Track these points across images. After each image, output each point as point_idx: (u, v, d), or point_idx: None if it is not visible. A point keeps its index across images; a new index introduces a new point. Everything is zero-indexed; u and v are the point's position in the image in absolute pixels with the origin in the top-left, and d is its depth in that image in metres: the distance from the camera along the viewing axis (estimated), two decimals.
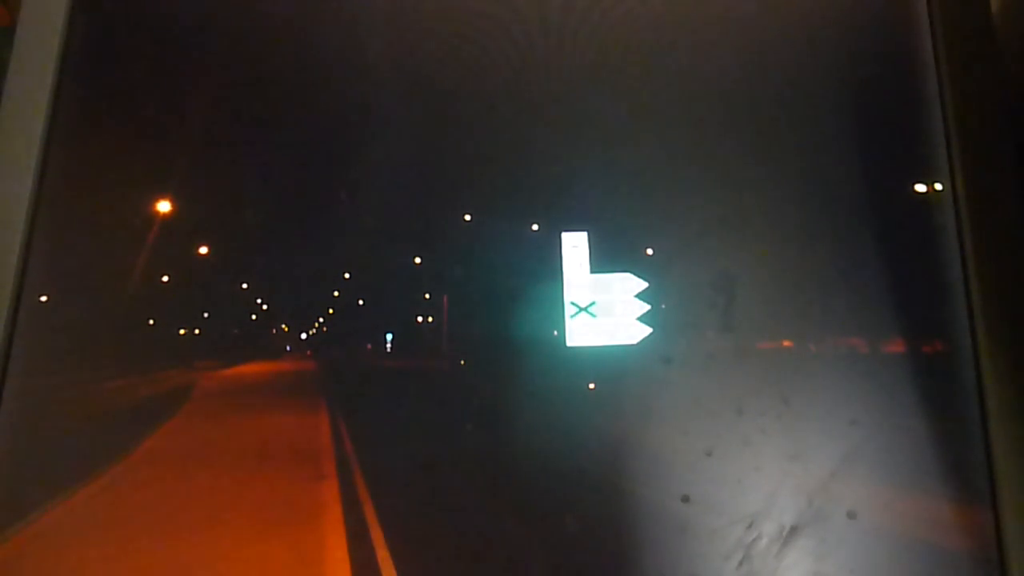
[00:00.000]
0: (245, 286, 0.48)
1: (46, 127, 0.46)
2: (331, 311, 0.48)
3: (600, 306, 0.46)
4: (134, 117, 0.49)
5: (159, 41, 0.50)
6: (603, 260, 0.47)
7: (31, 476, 0.42)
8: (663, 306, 0.47)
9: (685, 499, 0.43)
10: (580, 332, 0.46)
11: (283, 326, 0.48)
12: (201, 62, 0.50)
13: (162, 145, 0.49)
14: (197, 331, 0.47)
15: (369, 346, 0.47)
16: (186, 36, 0.51)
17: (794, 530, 0.42)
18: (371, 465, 0.45)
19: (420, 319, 0.48)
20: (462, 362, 0.48)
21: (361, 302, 0.48)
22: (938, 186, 0.47)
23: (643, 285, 0.47)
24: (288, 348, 0.47)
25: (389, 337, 0.48)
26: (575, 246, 0.47)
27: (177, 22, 0.51)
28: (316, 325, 0.48)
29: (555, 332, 0.46)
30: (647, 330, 0.46)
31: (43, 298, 0.44)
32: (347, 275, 0.48)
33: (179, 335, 0.47)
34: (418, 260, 0.48)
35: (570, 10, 0.51)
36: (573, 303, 0.46)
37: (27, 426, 0.43)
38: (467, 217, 0.49)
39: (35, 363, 0.44)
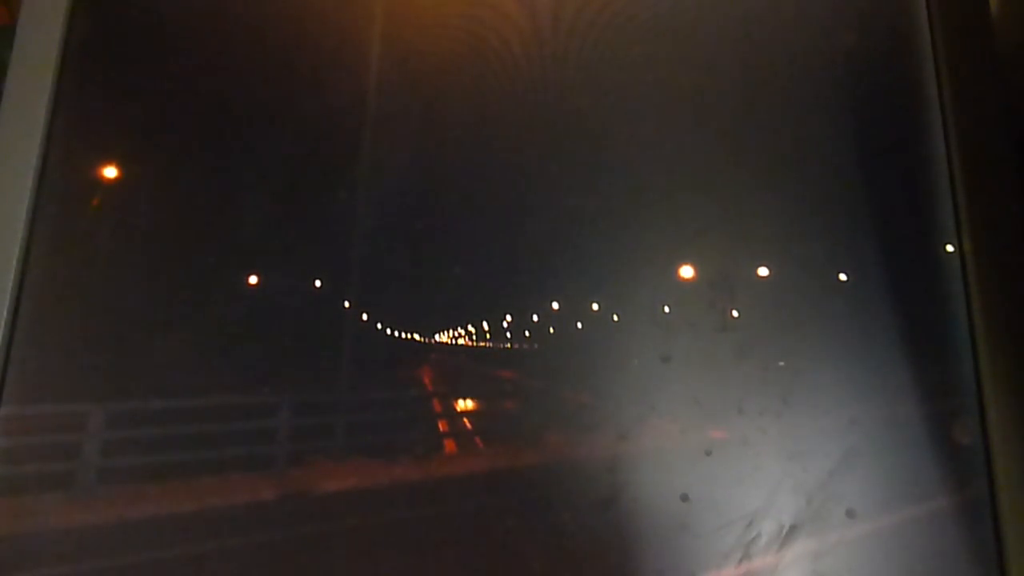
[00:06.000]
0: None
1: (46, 125, 0.46)
2: None
3: None
4: (134, 115, 0.50)
5: (159, 40, 0.50)
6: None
7: None
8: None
9: (684, 498, 0.43)
10: None
11: None
12: (201, 60, 0.50)
13: (163, 144, 0.49)
14: None
15: None
16: (186, 35, 0.51)
17: (793, 529, 0.43)
18: None
19: None
20: None
21: None
22: (937, 186, 0.47)
23: None
24: None
25: None
26: None
27: (176, 21, 0.51)
28: None
29: None
30: None
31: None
32: None
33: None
34: None
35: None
36: None
37: None
38: None
39: (35, 363, 0.44)
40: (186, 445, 0.45)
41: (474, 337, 0.50)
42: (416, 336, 0.48)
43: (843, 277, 0.48)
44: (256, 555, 0.43)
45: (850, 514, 0.43)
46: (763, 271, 0.48)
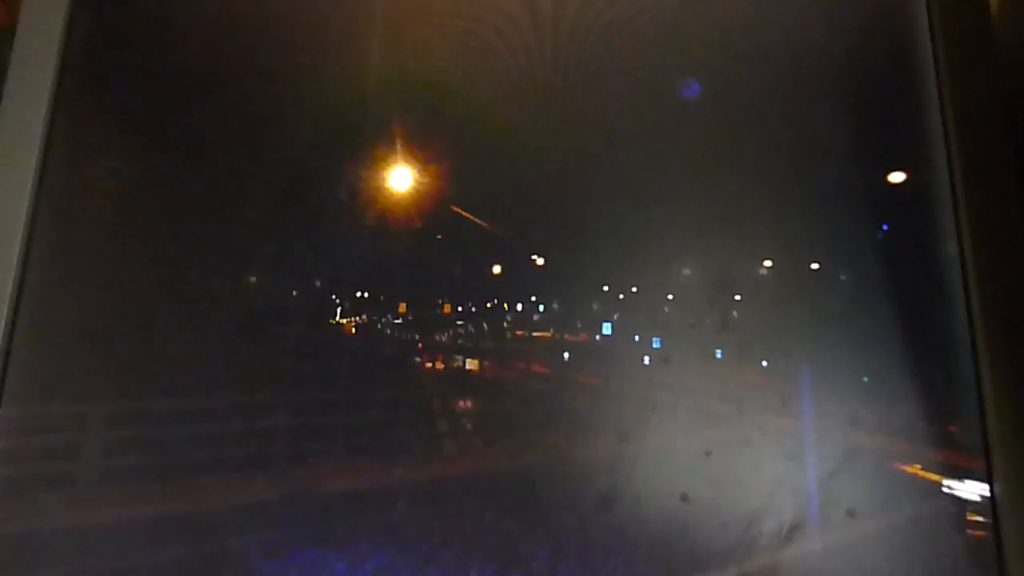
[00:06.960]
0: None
1: (46, 126, 0.46)
2: None
3: None
4: (134, 115, 0.49)
5: (158, 40, 0.50)
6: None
7: None
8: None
9: (684, 498, 0.43)
10: None
11: None
12: (200, 61, 0.50)
13: (162, 144, 0.49)
14: None
15: None
16: (185, 35, 0.51)
17: (793, 529, 0.43)
18: None
19: None
20: None
21: None
22: (937, 186, 0.47)
23: None
24: None
25: None
26: None
27: (176, 21, 0.51)
28: None
29: None
30: None
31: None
32: None
33: None
34: None
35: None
36: None
37: None
38: None
39: (35, 363, 0.44)
40: (186, 445, 0.45)
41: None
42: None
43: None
44: (256, 555, 0.43)
45: (850, 514, 0.43)
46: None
